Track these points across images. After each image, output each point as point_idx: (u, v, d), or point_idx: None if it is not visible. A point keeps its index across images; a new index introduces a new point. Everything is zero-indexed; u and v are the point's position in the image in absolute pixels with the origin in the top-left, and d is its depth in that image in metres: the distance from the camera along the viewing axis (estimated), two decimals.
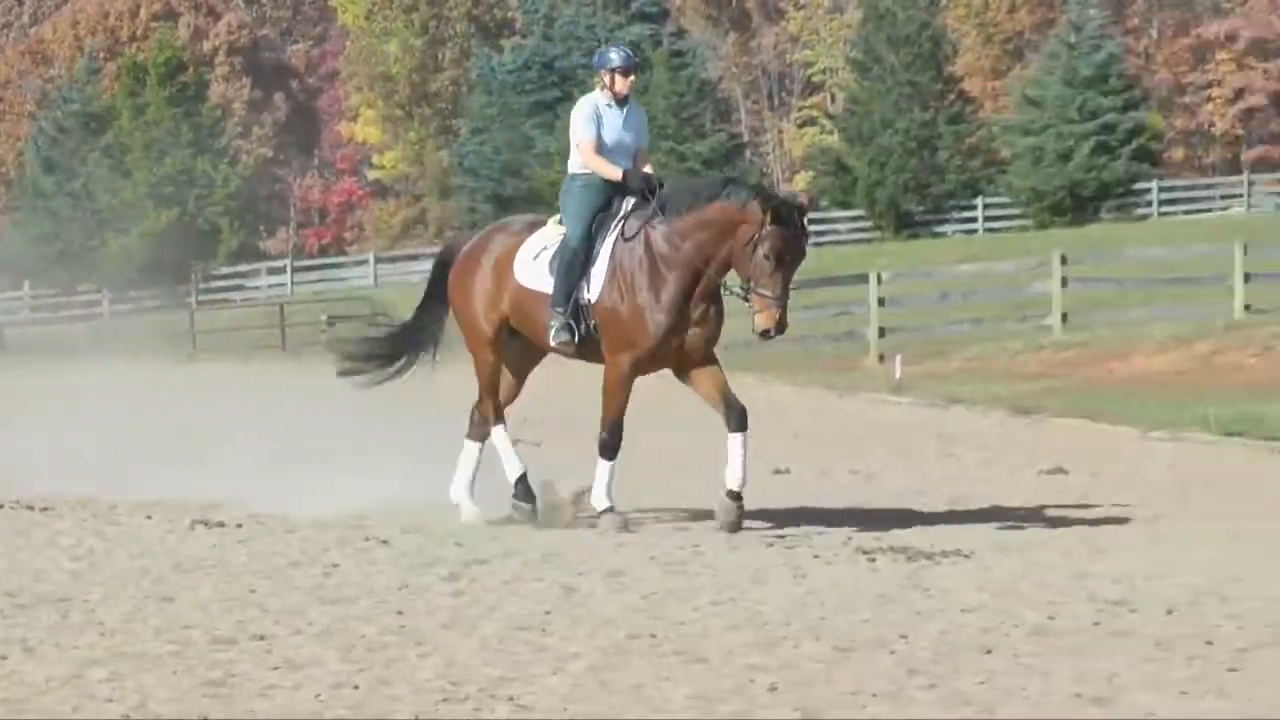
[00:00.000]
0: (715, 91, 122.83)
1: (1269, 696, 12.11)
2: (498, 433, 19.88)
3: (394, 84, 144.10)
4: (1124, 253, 62.89)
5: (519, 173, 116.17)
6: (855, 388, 42.42)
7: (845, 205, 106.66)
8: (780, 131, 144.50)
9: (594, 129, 18.75)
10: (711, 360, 18.83)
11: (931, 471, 27.76)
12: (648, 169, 19.04)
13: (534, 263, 19.10)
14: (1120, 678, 12.68)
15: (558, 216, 19.16)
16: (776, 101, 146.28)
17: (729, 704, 11.99)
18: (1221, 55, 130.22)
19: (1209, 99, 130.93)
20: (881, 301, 49.80)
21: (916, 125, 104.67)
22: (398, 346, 21.20)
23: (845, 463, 28.35)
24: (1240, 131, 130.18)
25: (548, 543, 19.32)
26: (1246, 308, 44.69)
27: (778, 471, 25.52)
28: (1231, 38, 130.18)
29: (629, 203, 18.75)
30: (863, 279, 52.03)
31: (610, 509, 18.87)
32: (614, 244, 18.64)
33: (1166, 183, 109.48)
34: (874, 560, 18.27)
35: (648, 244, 18.46)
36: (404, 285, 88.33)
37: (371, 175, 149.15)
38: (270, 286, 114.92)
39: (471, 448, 20.21)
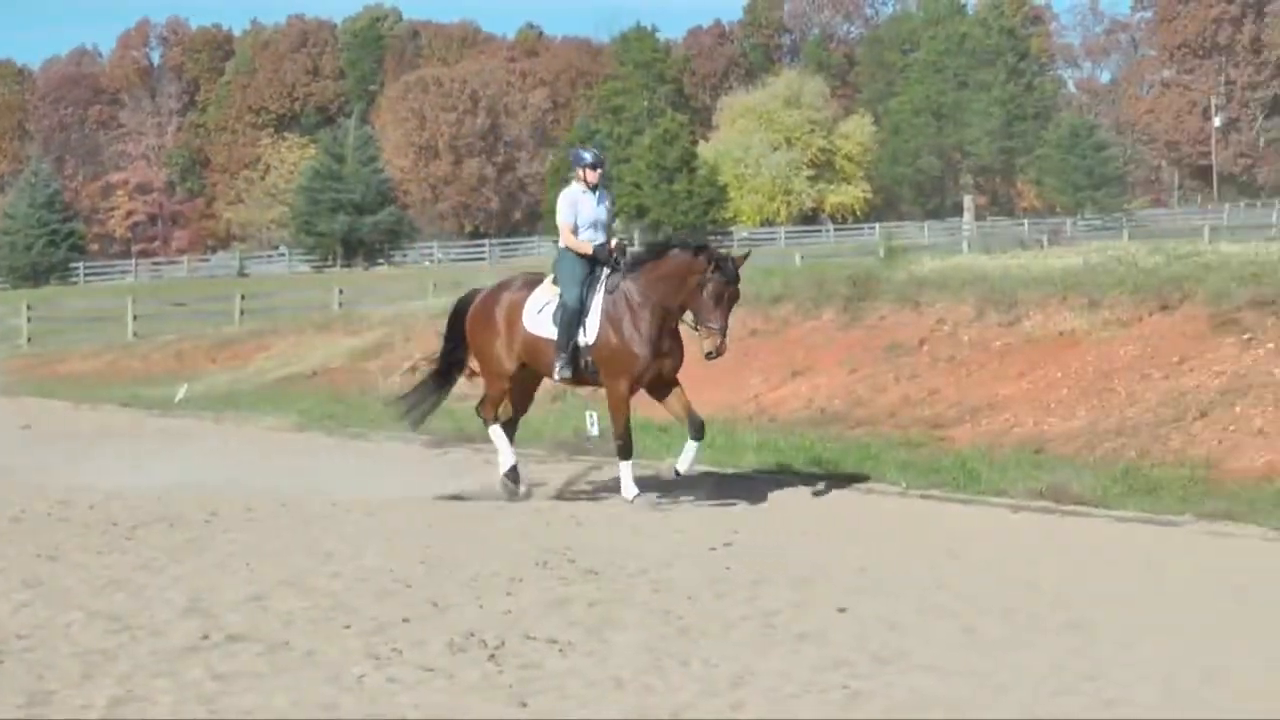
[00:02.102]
0: None
1: None
2: (494, 430, 16.19)
3: None
4: (61, 303, 63.75)
5: None
6: None
7: None
8: None
9: (572, 215, 15.56)
10: (676, 381, 15.41)
11: None
12: (614, 239, 15.74)
13: (539, 315, 15.72)
14: None
15: (552, 277, 15.90)
16: None
17: None
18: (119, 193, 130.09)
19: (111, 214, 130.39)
20: None
21: None
22: (440, 382, 17.16)
23: None
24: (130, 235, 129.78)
25: None
26: (135, 334, 45.34)
27: None
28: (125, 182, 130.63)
29: (605, 270, 15.46)
30: None
31: (638, 494, 15.23)
32: (601, 300, 15.30)
33: (89, 263, 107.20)
34: None
35: (626, 297, 15.18)
36: None
37: None
38: None
39: (495, 430, 16.24)
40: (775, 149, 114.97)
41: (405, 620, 9.79)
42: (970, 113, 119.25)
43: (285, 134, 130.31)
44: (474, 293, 17.01)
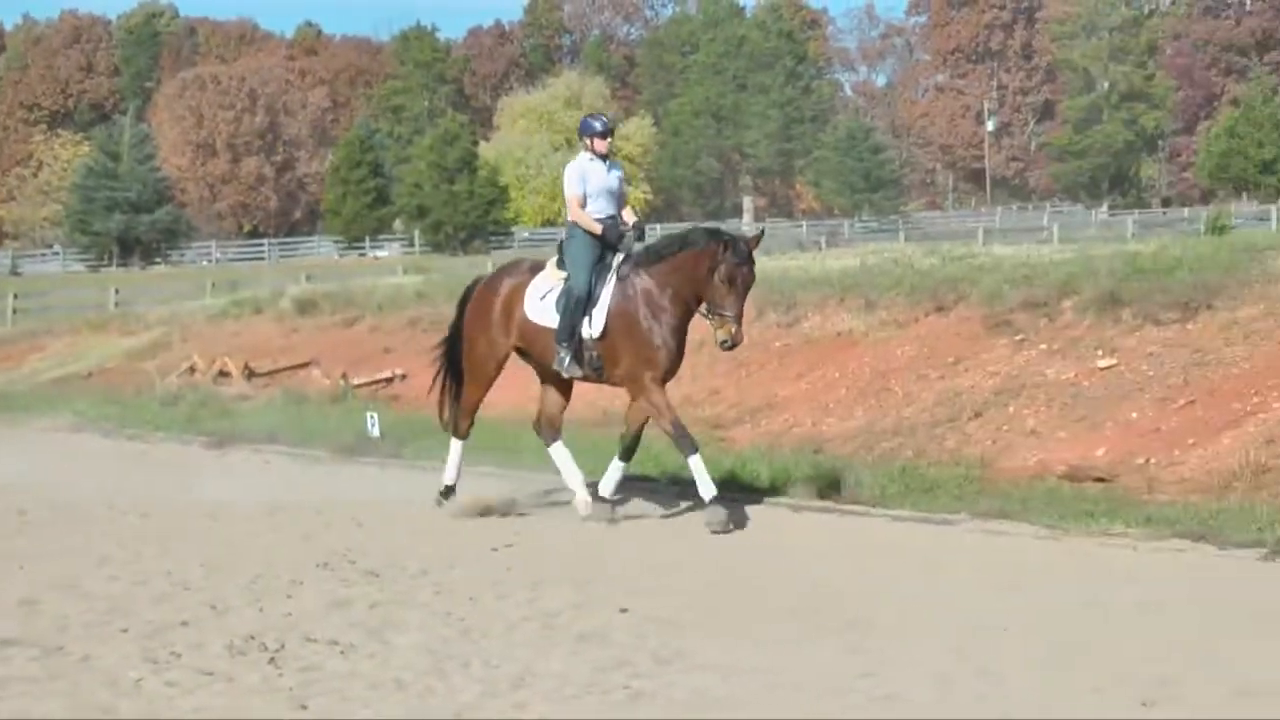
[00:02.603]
0: None
1: None
2: (456, 446, 14.84)
3: None
4: None
5: None
6: None
7: None
8: None
9: (580, 187, 14.29)
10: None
11: None
12: (627, 210, 14.62)
13: (541, 302, 14.40)
14: None
15: (555, 259, 14.56)
16: None
17: None
18: None
19: None
20: None
21: None
22: (452, 372, 15.33)
23: None
24: None
25: None
26: None
27: None
28: None
29: (619, 257, 14.21)
30: None
31: (716, 497, 13.63)
32: (612, 289, 14.06)
33: None
34: None
35: (640, 288, 13.95)
36: None
37: None
38: None
39: (557, 449, 14.70)
40: (556, 149, 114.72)
41: (184, 623, 9.68)
42: (749, 115, 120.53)
43: (59, 131, 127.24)
44: (478, 281, 15.84)
